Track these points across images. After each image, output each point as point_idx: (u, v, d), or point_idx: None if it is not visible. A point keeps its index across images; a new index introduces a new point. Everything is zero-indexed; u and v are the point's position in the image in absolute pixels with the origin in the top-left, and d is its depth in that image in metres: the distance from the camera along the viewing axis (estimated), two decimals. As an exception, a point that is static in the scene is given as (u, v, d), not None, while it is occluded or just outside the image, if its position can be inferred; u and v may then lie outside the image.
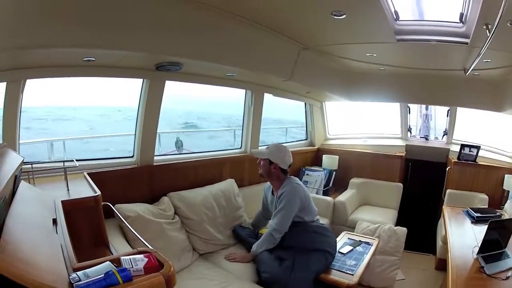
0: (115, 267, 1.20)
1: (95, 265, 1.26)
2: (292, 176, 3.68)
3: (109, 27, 2.32)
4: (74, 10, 2.12)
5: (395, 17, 3.01)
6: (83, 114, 21.43)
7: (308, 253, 3.28)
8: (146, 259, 1.31)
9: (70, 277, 1.16)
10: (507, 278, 2.61)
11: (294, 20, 3.09)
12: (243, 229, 3.88)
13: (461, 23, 3.03)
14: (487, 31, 2.57)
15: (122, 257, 1.30)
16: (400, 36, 3.23)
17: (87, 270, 1.20)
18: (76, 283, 1.12)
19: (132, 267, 1.24)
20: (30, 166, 2.42)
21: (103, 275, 1.15)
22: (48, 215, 1.69)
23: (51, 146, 6.37)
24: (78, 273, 1.19)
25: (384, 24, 2.95)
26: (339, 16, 2.75)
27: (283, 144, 3.89)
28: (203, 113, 27.24)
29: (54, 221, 1.68)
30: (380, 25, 3.01)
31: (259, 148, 3.97)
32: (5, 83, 2.59)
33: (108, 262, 1.27)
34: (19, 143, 2.81)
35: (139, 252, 1.40)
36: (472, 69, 3.76)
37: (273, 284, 3.14)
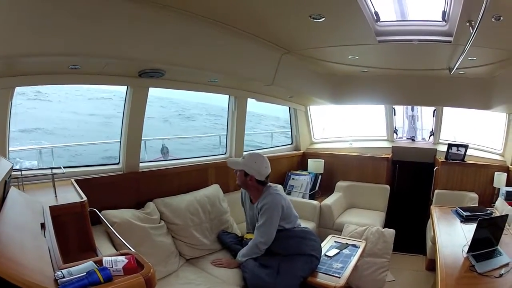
0: (97, 267, 1.30)
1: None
2: (272, 185, 3.70)
3: (92, 35, 2.40)
4: (59, 20, 2.21)
5: (375, 18, 3.07)
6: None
7: (293, 257, 3.34)
8: (126, 261, 1.39)
9: (55, 274, 1.25)
10: (501, 275, 2.64)
11: (274, 24, 3.16)
12: (227, 234, 3.92)
13: (443, 22, 3.08)
14: (470, 28, 2.65)
15: (104, 258, 1.40)
16: (381, 37, 3.28)
17: (71, 269, 1.30)
18: (60, 280, 1.22)
19: (112, 267, 1.33)
20: (19, 173, 2.51)
21: (85, 273, 1.25)
22: (37, 220, 1.77)
23: (39, 153, 6.60)
24: (62, 270, 1.28)
25: (364, 26, 3.00)
26: (318, 19, 2.80)
27: (259, 153, 3.83)
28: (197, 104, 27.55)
29: (42, 226, 1.77)
30: (360, 27, 3.06)
31: (235, 158, 3.99)
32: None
33: (91, 262, 1.36)
34: (8, 150, 2.89)
35: (121, 254, 1.48)
36: (457, 68, 3.80)
37: None
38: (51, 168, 2.61)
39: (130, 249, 1.88)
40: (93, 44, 2.44)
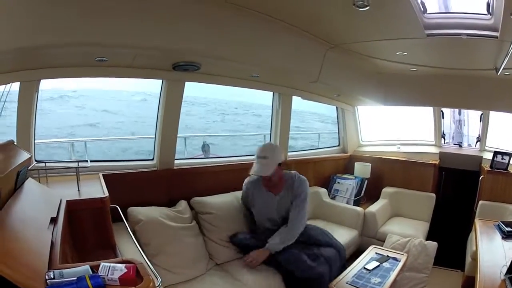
0: (91, 273, 1.21)
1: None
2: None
3: (117, 24, 2.31)
4: (84, 8, 2.13)
5: (422, 9, 2.89)
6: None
7: (326, 247, 3.53)
8: (125, 270, 1.29)
9: (46, 274, 1.18)
10: None
11: (316, 14, 2.98)
12: (237, 235, 3.64)
13: (488, 15, 2.89)
14: None
15: (102, 263, 1.30)
16: (429, 31, 3.11)
17: (63, 270, 1.22)
18: (49, 280, 1.14)
19: (108, 275, 1.24)
20: (43, 164, 2.49)
21: (75, 278, 1.16)
22: (47, 213, 1.72)
23: (71, 146, 6.50)
24: (54, 271, 1.21)
25: (411, 16, 2.84)
26: (362, 8, 2.62)
27: (266, 143, 3.93)
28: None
29: (53, 220, 1.71)
30: (408, 18, 2.90)
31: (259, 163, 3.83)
32: (19, 83, 2.67)
33: (87, 266, 1.27)
34: (34, 143, 2.89)
35: (123, 262, 1.38)
36: (504, 68, 3.58)
37: (315, 281, 3.20)
38: (77, 161, 2.58)
39: (141, 253, 1.82)
40: (119, 34, 2.35)
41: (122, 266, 1.31)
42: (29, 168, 2.03)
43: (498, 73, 3.86)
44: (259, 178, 3.58)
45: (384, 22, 3.08)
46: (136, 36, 2.41)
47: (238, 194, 3.85)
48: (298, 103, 4.91)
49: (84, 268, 1.24)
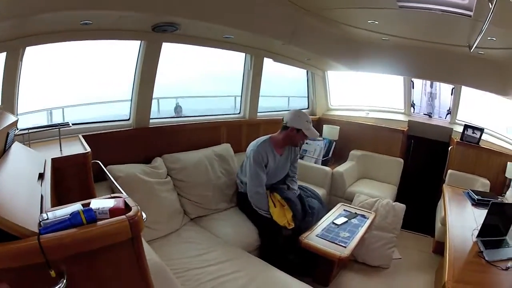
0: (82, 209, 1.26)
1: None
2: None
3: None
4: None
5: None
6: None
7: (312, 199, 3.97)
8: (115, 203, 1.37)
9: (40, 216, 1.24)
10: (507, 268, 2.57)
11: None
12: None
13: None
14: (490, 3, 2.53)
15: (92, 200, 1.38)
16: (402, 3, 3.18)
17: (56, 211, 1.28)
18: (43, 221, 1.20)
19: (99, 209, 1.30)
20: (26, 130, 2.53)
21: (69, 215, 1.23)
22: (35, 170, 1.78)
23: (50, 114, 6.43)
24: (48, 213, 1.27)
25: None
26: None
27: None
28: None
29: (41, 176, 1.77)
30: None
31: (313, 129, 3.92)
32: (5, 53, 2.67)
33: (79, 204, 1.34)
34: (17, 112, 2.90)
35: (112, 197, 1.45)
36: (476, 46, 3.67)
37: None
38: (59, 124, 2.62)
39: (121, 191, 1.90)
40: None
41: (112, 200, 1.40)
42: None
43: (471, 50, 3.95)
44: (266, 141, 3.77)
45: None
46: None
47: (208, 151, 4.04)
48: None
49: (76, 206, 1.30)
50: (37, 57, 2.92)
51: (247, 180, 3.69)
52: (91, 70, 3.92)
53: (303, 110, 4.07)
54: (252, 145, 3.76)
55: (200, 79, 6.94)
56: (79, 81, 3.95)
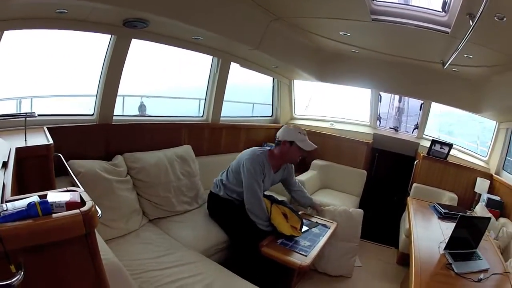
0: (39, 200, 1.26)
1: (27, 199, 1.33)
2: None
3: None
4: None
5: None
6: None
7: None
8: (71, 196, 1.36)
9: (0, 206, 1.23)
10: (480, 280, 2.60)
11: None
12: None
13: (443, 12, 3.06)
14: (470, 21, 2.60)
15: (49, 192, 1.37)
16: (375, 16, 3.23)
17: (16, 202, 1.27)
18: (2, 212, 1.19)
19: (55, 202, 1.29)
20: None
21: (26, 206, 1.22)
22: None
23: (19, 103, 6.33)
24: (7, 204, 1.26)
25: (359, 0, 2.96)
26: None
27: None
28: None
29: (4, 164, 1.77)
30: (355, 0, 3.02)
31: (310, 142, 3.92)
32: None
33: (36, 195, 1.33)
34: None
35: (68, 191, 1.44)
36: (451, 63, 3.75)
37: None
38: (25, 113, 2.58)
39: (79, 186, 1.87)
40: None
41: (68, 193, 1.39)
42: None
43: (445, 67, 4.03)
44: (264, 157, 3.70)
45: (330, 1, 3.21)
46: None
47: (169, 151, 4.03)
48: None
49: (33, 198, 1.29)
50: (11, 45, 2.87)
51: (243, 191, 3.62)
52: (66, 62, 3.89)
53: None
54: (248, 154, 3.71)
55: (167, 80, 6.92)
56: (52, 72, 3.90)
